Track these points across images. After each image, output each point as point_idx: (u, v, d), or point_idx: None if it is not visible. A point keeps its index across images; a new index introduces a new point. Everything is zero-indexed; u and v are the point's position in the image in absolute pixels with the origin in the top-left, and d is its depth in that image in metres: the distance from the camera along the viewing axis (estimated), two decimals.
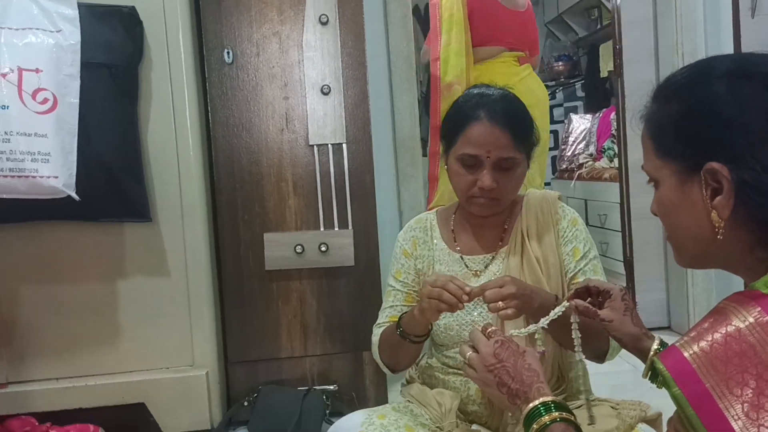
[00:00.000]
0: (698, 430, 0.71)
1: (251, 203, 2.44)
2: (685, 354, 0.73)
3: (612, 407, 1.42)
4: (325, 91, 2.40)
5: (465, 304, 1.49)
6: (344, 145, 2.42)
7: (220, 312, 2.45)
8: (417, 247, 1.60)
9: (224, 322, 2.46)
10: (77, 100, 2.01)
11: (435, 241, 1.60)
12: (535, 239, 1.52)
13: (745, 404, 0.69)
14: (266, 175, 2.43)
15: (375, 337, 1.59)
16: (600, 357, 1.43)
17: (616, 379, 1.54)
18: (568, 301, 1.25)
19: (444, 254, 1.57)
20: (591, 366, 1.58)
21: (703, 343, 0.73)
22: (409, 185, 2.70)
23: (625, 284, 3.35)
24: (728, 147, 0.81)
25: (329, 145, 2.42)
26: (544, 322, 1.22)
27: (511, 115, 1.46)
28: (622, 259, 3.49)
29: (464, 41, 3.10)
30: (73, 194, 1.98)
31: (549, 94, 5.87)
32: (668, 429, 0.78)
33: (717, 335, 0.72)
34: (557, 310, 1.23)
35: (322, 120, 2.41)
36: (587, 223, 4.61)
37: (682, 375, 0.72)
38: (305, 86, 2.41)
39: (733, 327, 0.72)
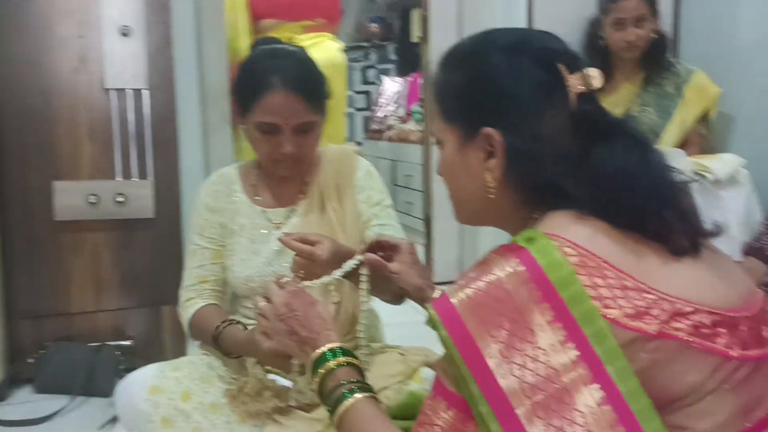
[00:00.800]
0: (461, 368, 0.78)
1: (40, 148, 2.26)
2: (453, 300, 0.80)
3: (399, 353, 1.51)
4: (125, 33, 2.27)
5: (266, 256, 1.52)
6: (145, 91, 2.31)
7: (2, 264, 2.26)
8: (219, 201, 1.58)
9: (8, 275, 2.28)
10: None
11: (237, 195, 1.59)
12: (334, 192, 1.57)
13: (500, 344, 0.76)
14: (58, 118, 2.26)
15: (186, 313, 1.54)
16: (396, 301, 1.50)
17: (409, 329, 1.64)
18: (361, 255, 1.31)
19: (246, 207, 1.58)
20: (387, 317, 1.67)
21: (468, 290, 0.80)
22: (218, 136, 2.63)
23: (424, 241, 3.53)
24: (502, 115, 0.88)
25: (129, 90, 2.30)
26: (337, 274, 1.27)
27: (306, 79, 1.47)
28: (423, 218, 3.68)
29: (246, 19, 3.02)
30: None
31: (363, 56, 6.00)
32: (437, 368, 0.85)
33: (480, 283, 0.79)
34: (350, 263, 1.28)
35: (121, 63, 2.28)
36: (395, 183, 4.79)
37: (448, 319, 0.79)
38: (102, 26, 2.26)
39: (494, 276, 0.79)
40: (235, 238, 1.56)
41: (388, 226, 1.58)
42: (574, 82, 0.88)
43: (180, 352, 2.35)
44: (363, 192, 1.59)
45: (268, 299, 1.12)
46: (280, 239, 1.33)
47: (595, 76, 0.90)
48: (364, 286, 1.31)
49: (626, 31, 2.45)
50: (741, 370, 0.77)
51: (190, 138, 2.49)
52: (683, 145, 2.50)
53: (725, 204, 2.24)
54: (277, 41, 1.54)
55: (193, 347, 1.62)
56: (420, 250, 3.40)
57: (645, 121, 2.52)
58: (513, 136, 0.87)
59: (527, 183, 0.89)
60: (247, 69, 1.52)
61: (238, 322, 1.45)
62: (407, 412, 1.25)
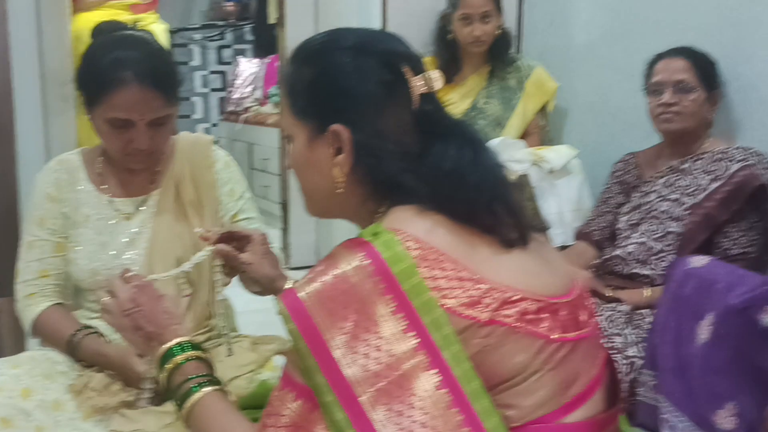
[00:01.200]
0: (307, 360, 0.81)
1: None
2: (300, 294, 0.83)
3: (252, 342, 1.52)
4: None
5: (114, 248, 1.47)
6: None
7: None
8: (62, 191, 1.51)
9: None
10: None
11: (81, 183, 1.52)
12: (189, 182, 1.54)
13: (346, 335, 0.80)
14: None
15: (29, 311, 1.47)
16: (266, 292, 1.50)
17: (265, 316, 1.66)
18: (212, 246, 1.30)
19: (91, 197, 1.51)
20: (242, 304, 1.67)
21: (316, 284, 0.83)
22: (59, 121, 2.49)
23: (281, 225, 3.53)
24: (350, 112, 0.92)
25: None
26: (186, 266, 1.26)
27: (160, 71, 1.41)
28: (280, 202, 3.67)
29: None
30: None
31: (218, 35, 5.84)
32: (287, 360, 0.88)
33: (327, 277, 0.83)
34: (200, 255, 1.28)
35: None
36: (251, 167, 4.73)
37: (295, 312, 0.82)
38: None
39: (341, 269, 0.83)
40: (79, 230, 1.50)
41: (253, 219, 1.59)
42: (417, 84, 0.93)
43: (19, 347, 2.23)
44: (225, 185, 1.58)
45: (112, 294, 1.09)
46: (202, 237, 1.31)
47: (436, 78, 0.95)
48: (217, 277, 1.31)
49: (473, 27, 2.56)
50: (560, 351, 0.86)
51: (29, 121, 2.34)
52: (524, 135, 2.66)
53: (559, 192, 2.42)
54: (122, 26, 1.47)
55: (34, 342, 1.55)
56: (277, 235, 3.40)
57: (490, 112, 2.66)
58: (360, 134, 0.91)
59: (373, 178, 0.93)
60: (94, 60, 1.43)
61: (96, 331, 1.42)
62: (259, 401, 1.26)
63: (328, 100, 0.94)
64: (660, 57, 2.06)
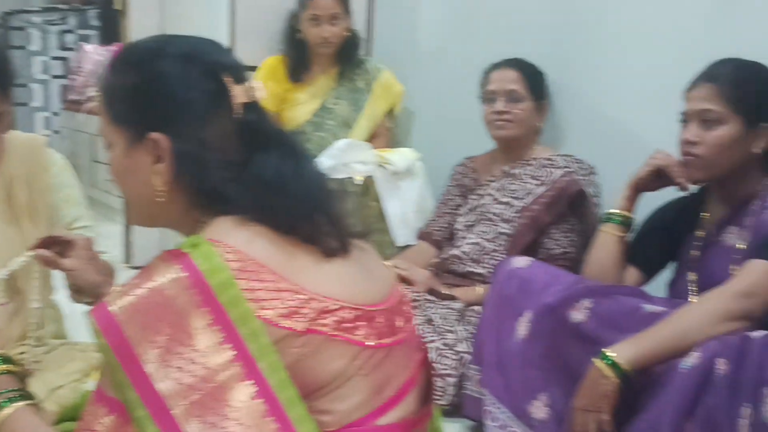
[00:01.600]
0: (119, 375, 0.80)
1: None
2: (111, 308, 0.81)
3: (80, 350, 1.47)
4: None
5: None
6: None
7: None
8: None
9: None
10: None
11: None
12: (24, 185, 1.47)
13: (160, 349, 0.79)
14: None
15: None
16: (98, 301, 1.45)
17: None
18: (33, 251, 1.24)
19: None
20: (77, 308, 1.60)
21: (129, 297, 0.81)
22: None
23: (124, 221, 3.39)
24: (170, 121, 0.91)
25: None
26: (2, 274, 1.20)
27: None
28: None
29: None
30: None
31: (60, 19, 5.51)
32: (100, 375, 0.86)
33: (141, 290, 0.81)
34: (18, 261, 1.22)
35: None
36: (94, 159, 4.52)
37: (106, 326, 0.80)
38: None
39: (156, 282, 0.82)
40: None
41: (91, 227, 1.55)
42: (239, 93, 0.93)
43: None
44: (62, 190, 1.52)
45: None
46: None
47: (258, 88, 0.96)
48: (36, 283, 1.26)
49: (321, 28, 2.58)
50: (375, 357, 0.90)
51: None
52: (372, 137, 2.72)
53: (403, 193, 2.50)
54: None
55: None
56: (118, 231, 3.27)
57: (339, 112, 2.70)
58: (180, 142, 0.90)
59: (194, 188, 0.92)
60: None
61: None
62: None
63: (149, 107, 0.92)
64: (494, 67, 2.18)
